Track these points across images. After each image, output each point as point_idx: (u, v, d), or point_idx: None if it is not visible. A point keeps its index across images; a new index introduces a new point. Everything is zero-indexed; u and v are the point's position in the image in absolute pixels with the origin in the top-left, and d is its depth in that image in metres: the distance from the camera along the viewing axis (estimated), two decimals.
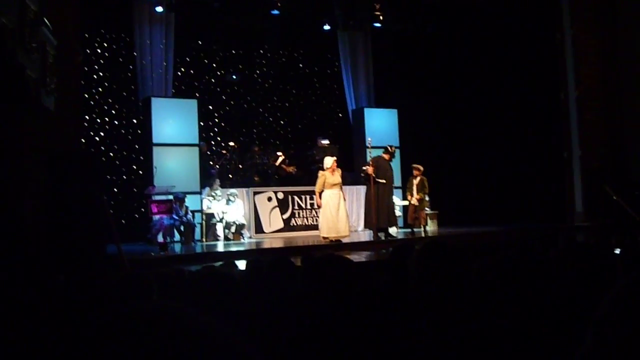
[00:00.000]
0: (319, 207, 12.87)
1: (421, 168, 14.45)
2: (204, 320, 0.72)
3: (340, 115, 18.98)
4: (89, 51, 15.19)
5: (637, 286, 0.97)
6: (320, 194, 12.52)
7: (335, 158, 12.79)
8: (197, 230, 14.06)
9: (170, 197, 12.99)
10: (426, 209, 15.07)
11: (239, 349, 0.71)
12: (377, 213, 12.98)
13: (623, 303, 0.96)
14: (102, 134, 15.61)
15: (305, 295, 2.57)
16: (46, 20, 7.64)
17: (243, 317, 2.51)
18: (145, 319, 0.68)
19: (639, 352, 0.90)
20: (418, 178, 14.40)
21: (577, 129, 15.25)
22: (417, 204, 14.32)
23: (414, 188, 14.39)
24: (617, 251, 3.87)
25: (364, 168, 13.47)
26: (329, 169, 12.44)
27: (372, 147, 13.93)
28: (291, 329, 2.61)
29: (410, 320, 2.55)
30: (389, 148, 13.63)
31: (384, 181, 13.15)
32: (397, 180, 15.60)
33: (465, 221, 16.33)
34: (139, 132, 15.56)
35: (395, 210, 14.39)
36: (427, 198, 14.93)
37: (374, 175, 12.99)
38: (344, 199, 12.74)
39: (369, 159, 13.68)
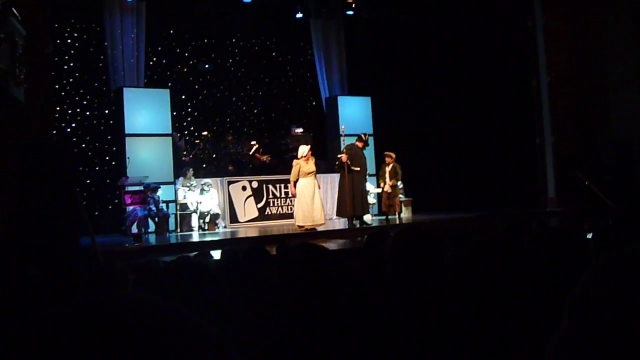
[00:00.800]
0: (293, 196, 12.86)
1: (393, 155, 14.49)
2: (177, 309, 0.71)
3: (313, 103, 18.95)
4: (59, 41, 15.02)
5: (610, 267, 0.98)
6: (295, 182, 12.51)
7: (309, 146, 12.77)
8: (172, 220, 14.01)
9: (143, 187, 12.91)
10: (400, 196, 15.13)
11: (211, 339, 0.70)
12: (352, 201, 13.02)
13: (597, 284, 0.97)
14: (73, 125, 15.45)
15: (280, 283, 2.57)
16: (14, 11, 7.54)
17: (218, 306, 2.51)
18: (117, 308, 0.67)
19: (613, 332, 0.91)
20: (390, 165, 14.45)
21: (549, 116, 15.39)
22: (390, 190, 14.37)
23: (387, 175, 14.44)
24: (589, 236, 3.91)
25: (338, 156, 13.48)
26: (304, 157, 12.43)
27: (346, 135, 13.95)
28: (267, 317, 2.61)
29: (386, 306, 2.56)
30: (363, 136, 13.65)
31: (358, 169, 13.17)
32: (371, 168, 15.64)
33: (439, 208, 16.44)
34: (111, 122, 15.42)
35: (369, 198, 14.44)
36: (400, 185, 14.99)
37: (348, 163, 13.01)
38: (319, 187, 12.75)
39: (342, 147, 13.69)
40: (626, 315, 0.90)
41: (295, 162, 12.67)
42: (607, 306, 0.92)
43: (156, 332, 0.66)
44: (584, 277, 0.99)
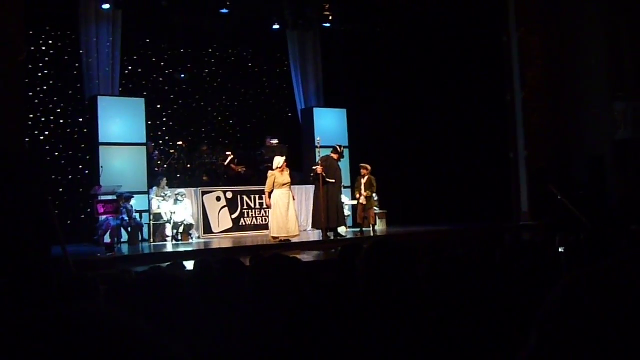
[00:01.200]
0: (268, 207, 12.82)
1: (369, 167, 14.54)
2: (138, 326, 0.70)
3: (289, 114, 18.96)
4: (33, 48, 14.89)
5: (577, 286, 0.98)
6: (269, 193, 12.49)
7: (285, 157, 12.77)
8: (145, 230, 13.91)
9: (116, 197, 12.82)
10: (375, 208, 15.17)
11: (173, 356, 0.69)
12: (327, 213, 13.02)
13: (564, 302, 0.97)
14: (47, 132, 15.31)
15: (253, 295, 2.55)
16: None
17: (191, 318, 2.49)
18: (78, 322, 0.66)
19: (580, 350, 0.91)
20: (366, 177, 14.49)
21: (523, 130, 15.51)
22: (365, 202, 14.40)
23: (362, 187, 14.48)
24: (561, 249, 3.94)
25: (313, 168, 13.48)
26: (279, 168, 12.41)
27: (322, 147, 13.95)
28: (240, 329, 2.59)
29: (358, 318, 2.55)
30: (338, 148, 13.67)
31: (333, 181, 13.18)
32: (347, 180, 15.67)
33: (413, 220, 16.47)
34: (85, 131, 15.30)
35: (345, 210, 14.45)
36: (375, 197, 15.03)
37: (323, 174, 13.01)
38: (293, 199, 12.75)
39: (318, 158, 13.70)
40: (592, 334, 0.90)
41: (270, 173, 12.65)
42: (573, 325, 0.93)
43: (115, 349, 0.65)
44: (551, 296, 1.00)
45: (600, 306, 0.92)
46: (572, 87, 15.23)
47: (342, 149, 13.82)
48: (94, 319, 0.68)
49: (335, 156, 13.50)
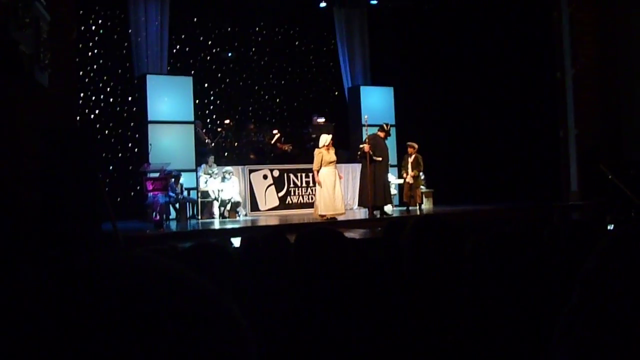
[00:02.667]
0: (318, 184, 12.80)
1: (416, 146, 14.44)
2: (187, 273, 0.70)
3: (336, 93, 18.93)
4: (83, 28, 15.11)
5: (620, 242, 0.97)
6: (317, 171, 12.49)
7: (331, 136, 12.75)
8: (193, 207, 14.08)
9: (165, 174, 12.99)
10: (422, 187, 15.09)
11: (226, 311, 0.69)
12: (374, 191, 12.99)
13: (607, 258, 0.96)
14: (97, 111, 15.57)
15: (297, 269, 2.56)
16: None
17: (236, 292, 2.51)
18: (119, 268, 0.67)
19: (622, 306, 0.90)
20: (413, 156, 14.40)
21: (573, 108, 15.23)
22: (412, 181, 14.32)
23: (409, 166, 14.39)
24: (611, 227, 3.88)
25: (360, 146, 13.44)
26: (325, 146, 12.41)
27: (369, 125, 13.91)
28: (284, 305, 2.61)
29: (403, 296, 2.55)
30: (385, 126, 13.60)
31: (380, 159, 13.13)
32: (393, 159, 15.59)
33: (461, 200, 16.34)
34: (134, 109, 15.51)
35: (391, 189, 14.40)
36: (422, 176, 14.94)
37: (370, 153, 12.98)
38: (340, 177, 12.75)
39: (365, 137, 13.65)
40: (635, 290, 0.89)
41: (317, 150, 12.65)
42: (616, 280, 0.91)
43: (164, 295, 0.65)
44: (594, 252, 0.98)
45: None
46: (624, 64, 14.88)
47: (388, 127, 13.75)
48: (146, 265, 0.68)
49: (382, 134, 13.45)
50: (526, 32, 16.41)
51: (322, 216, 12.44)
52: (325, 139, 12.53)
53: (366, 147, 13.02)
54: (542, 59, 16.07)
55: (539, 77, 16.25)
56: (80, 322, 0.60)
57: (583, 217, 10.09)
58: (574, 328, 0.95)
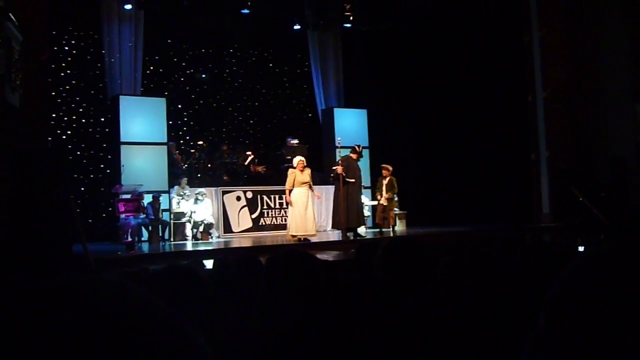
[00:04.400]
0: (288, 204, 12.82)
1: (390, 168, 14.48)
2: (150, 297, 0.70)
3: (309, 115, 18.97)
4: (56, 48, 15.01)
5: (586, 266, 0.98)
6: (289, 191, 12.52)
7: (303, 158, 12.81)
8: (165, 229, 14.00)
9: (138, 195, 12.94)
10: (395, 209, 15.12)
11: (184, 333, 0.69)
12: (347, 213, 12.99)
13: (572, 283, 0.96)
14: (69, 132, 15.45)
15: (268, 291, 2.55)
16: (12, 16, 7.54)
17: (207, 315, 2.49)
18: (85, 292, 0.66)
19: (588, 331, 0.91)
20: (387, 178, 14.42)
21: (545, 131, 15.40)
22: (386, 203, 14.34)
23: (384, 188, 14.41)
24: (581, 249, 3.91)
25: (333, 168, 13.46)
26: (300, 167, 12.49)
27: (342, 147, 13.95)
28: (256, 327, 2.59)
29: (374, 316, 2.55)
30: (357, 147, 13.64)
31: (353, 180, 13.15)
32: (366, 180, 15.64)
33: (433, 221, 16.40)
34: (107, 130, 15.42)
35: (364, 210, 14.42)
36: (396, 198, 14.98)
37: (343, 174, 13.00)
38: (318, 198, 12.79)
39: (338, 158, 13.68)
40: (601, 314, 0.90)
41: (290, 170, 12.70)
42: (582, 305, 0.92)
43: (127, 318, 0.65)
44: (560, 277, 0.99)
45: (609, 288, 0.92)
46: (594, 88, 15.09)
47: (360, 148, 13.79)
48: (112, 291, 0.68)
49: (354, 156, 13.48)
50: (498, 56, 16.60)
51: (293, 236, 12.45)
52: (298, 159, 12.62)
53: (339, 168, 13.04)
54: (514, 82, 16.26)
55: (510, 100, 16.44)
56: (42, 345, 0.60)
57: (555, 239, 10.17)
58: (539, 352, 0.96)
